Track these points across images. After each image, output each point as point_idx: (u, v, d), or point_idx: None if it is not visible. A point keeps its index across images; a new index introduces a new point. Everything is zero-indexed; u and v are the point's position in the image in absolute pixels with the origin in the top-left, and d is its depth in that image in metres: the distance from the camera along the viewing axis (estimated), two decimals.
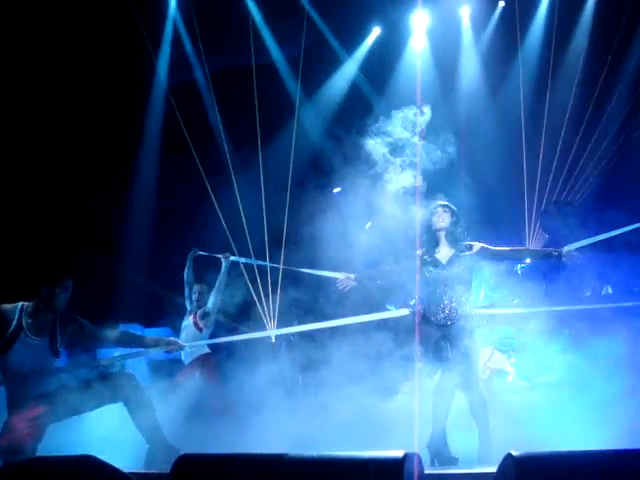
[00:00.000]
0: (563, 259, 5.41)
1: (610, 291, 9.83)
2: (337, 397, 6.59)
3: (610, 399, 6.06)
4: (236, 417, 7.09)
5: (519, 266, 9.30)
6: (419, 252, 5.50)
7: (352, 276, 5.64)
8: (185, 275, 7.84)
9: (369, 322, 6.44)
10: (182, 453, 3.43)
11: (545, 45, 10.36)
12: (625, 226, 6.26)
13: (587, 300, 8.99)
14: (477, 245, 5.44)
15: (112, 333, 5.36)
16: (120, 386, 5.06)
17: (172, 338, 5.94)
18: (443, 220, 5.42)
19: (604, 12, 10.72)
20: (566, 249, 5.43)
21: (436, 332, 5.24)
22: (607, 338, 7.29)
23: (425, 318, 5.35)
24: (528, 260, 9.93)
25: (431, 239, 5.48)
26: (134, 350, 5.77)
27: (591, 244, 6.07)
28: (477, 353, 5.45)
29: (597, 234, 6.62)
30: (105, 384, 5.05)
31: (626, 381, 6.59)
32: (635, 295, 9.82)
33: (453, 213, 5.48)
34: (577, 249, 5.56)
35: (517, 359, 7.91)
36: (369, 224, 10.35)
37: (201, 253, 7.89)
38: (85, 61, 9.86)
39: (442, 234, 5.45)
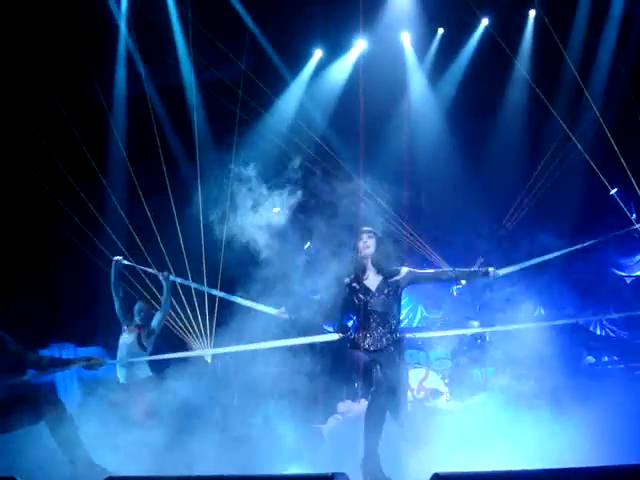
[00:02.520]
0: (490, 277, 5.46)
1: (542, 312, 10.11)
2: (272, 417, 6.58)
3: (541, 419, 6.20)
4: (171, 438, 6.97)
5: (454, 287, 9.50)
6: (347, 280, 5.45)
7: (286, 315, 5.59)
8: (113, 289, 7.51)
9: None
10: (108, 474, 3.38)
11: (482, 71, 10.62)
12: (554, 249, 6.40)
13: (520, 320, 9.20)
14: (404, 269, 5.41)
15: (37, 358, 5.26)
16: (38, 404, 4.93)
17: (93, 356, 5.80)
18: (368, 247, 5.38)
19: (542, 39, 11.04)
20: (491, 270, 5.45)
21: (365, 356, 5.25)
22: (539, 358, 7.48)
23: (356, 344, 5.32)
24: (464, 282, 10.19)
25: (358, 266, 5.42)
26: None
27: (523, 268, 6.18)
28: (406, 376, 5.50)
29: (529, 256, 6.84)
30: (24, 403, 4.92)
31: (556, 401, 6.77)
32: (567, 316, 10.12)
33: (378, 239, 5.46)
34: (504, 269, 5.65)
35: (451, 379, 8.02)
36: (308, 244, 10.42)
37: (126, 263, 7.61)
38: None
39: (368, 261, 5.40)
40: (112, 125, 9.85)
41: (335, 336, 5.59)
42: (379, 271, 5.38)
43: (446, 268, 5.49)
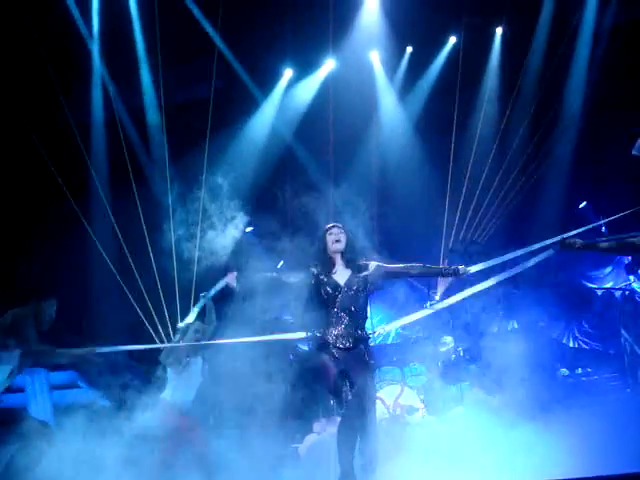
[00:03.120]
0: (458, 276, 5.39)
1: (516, 326, 10.17)
2: (248, 437, 6.53)
3: (517, 432, 6.22)
4: None
5: (429, 303, 9.50)
6: (314, 270, 5.29)
7: (234, 274, 5.30)
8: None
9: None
10: None
11: (451, 88, 10.73)
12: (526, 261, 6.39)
13: (494, 334, 9.25)
14: (373, 264, 5.33)
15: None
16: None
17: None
18: (340, 240, 5.29)
19: (510, 56, 11.22)
20: (461, 267, 5.37)
21: (334, 366, 5.07)
22: (514, 371, 7.52)
23: (324, 343, 5.13)
24: (437, 297, 10.22)
25: (326, 262, 5.30)
26: None
27: (497, 282, 6.15)
28: (374, 391, 5.36)
29: (501, 270, 6.87)
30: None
31: (531, 414, 6.80)
32: (540, 329, 10.19)
33: (348, 234, 5.38)
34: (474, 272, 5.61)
35: (426, 395, 8.03)
36: (281, 263, 10.41)
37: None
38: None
39: (337, 256, 5.31)
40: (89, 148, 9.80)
41: (301, 334, 5.42)
42: (348, 266, 5.29)
43: (415, 264, 5.34)
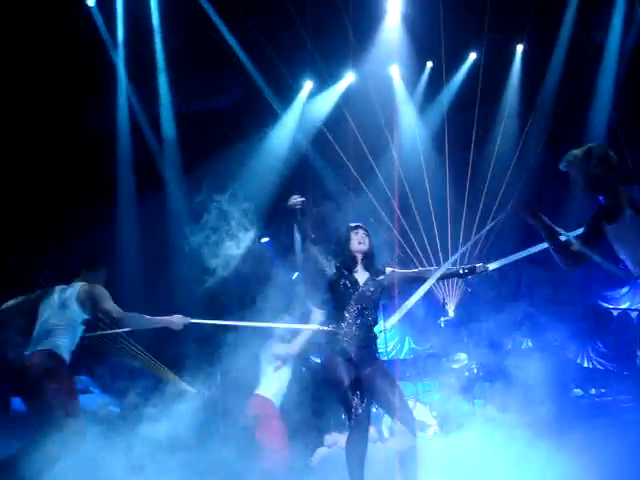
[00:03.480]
0: (476, 274, 5.29)
1: (530, 345, 10.12)
2: (258, 449, 6.50)
3: (530, 451, 6.16)
4: None
5: (442, 319, 9.49)
6: (337, 263, 5.25)
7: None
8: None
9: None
10: None
11: (471, 103, 10.74)
12: (542, 280, 6.37)
13: (507, 353, 9.21)
14: (388, 269, 5.30)
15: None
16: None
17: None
18: (364, 243, 5.25)
19: (530, 73, 11.23)
20: (479, 265, 5.24)
21: (346, 372, 4.94)
22: (528, 390, 7.47)
23: (335, 338, 5.04)
24: (451, 314, 10.20)
25: (347, 259, 5.25)
26: None
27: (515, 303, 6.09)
28: (394, 376, 5.27)
29: (517, 285, 6.90)
30: None
31: (545, 434, 6.74)
32: (554, 349, 10.13)
33: (370, 238, 5.33)
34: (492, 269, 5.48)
35: (439, 412, 7.97)
36: (296, 274, 10.42)
37: None
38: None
39: (359, 257, 5.26)
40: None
41: (314, 326, 5.33)
42: (367, 268, 5.27)
43: (429, 267, 5.26)
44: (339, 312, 5.13)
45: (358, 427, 4.88)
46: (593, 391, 10.00)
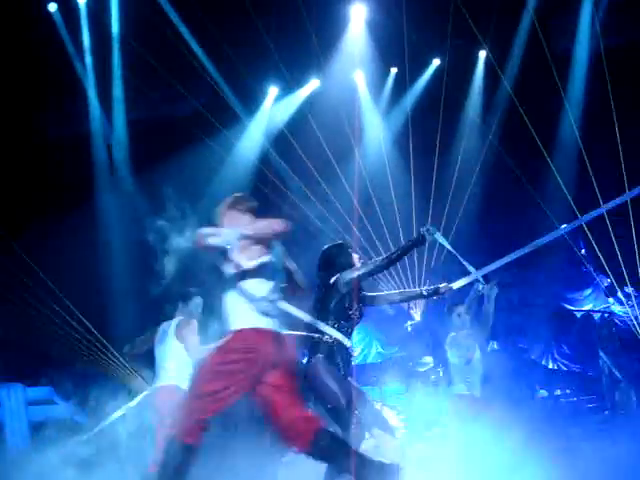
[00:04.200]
0: (440, 294, 5.27)
1: (496, 347, 10.21)
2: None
3: (496, 454, 6.20)
4: None
5: (409, 323, 9.55)
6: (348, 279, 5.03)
7: None
8: None
9: None
10: None
11: (434, 109, 10.83)
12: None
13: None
14: (366, 293, 5.22)
15: None
16: None
17: None
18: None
19: (493, 78, 11.35)
20: (442, 286, 5.14)
21: (341, 392, 4.93)
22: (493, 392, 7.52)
23: (332, 352, 4.89)
24: (417, 317, 10.25)
25: None
26: None
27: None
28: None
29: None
30: None
31: (511, 435, 6.80)
32: (519, 351, 10.24)
33: None
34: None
35: (405, 415, 8.01)
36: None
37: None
38: None
39: None
40: None
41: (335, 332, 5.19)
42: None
43: (394, 290, 5.22)
44: (348, 325, 5.03)
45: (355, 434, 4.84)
46: (558, 392, 10.12)
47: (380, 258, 5.01)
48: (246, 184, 11.19)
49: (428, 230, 4.89)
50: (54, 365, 8.35)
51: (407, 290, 5.32)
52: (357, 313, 5.06)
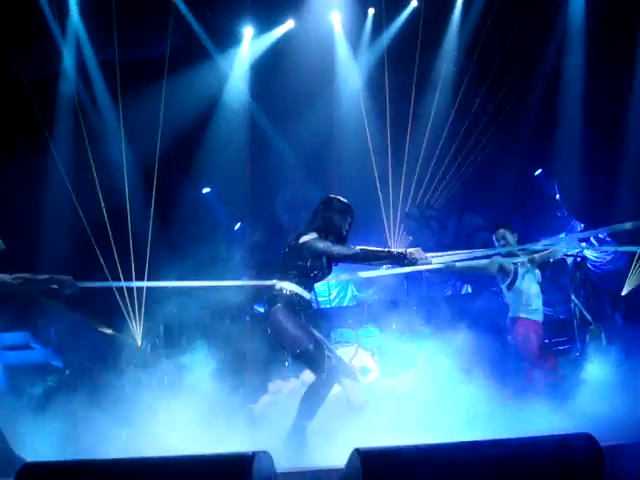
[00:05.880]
0: (416, 264, 5.28)
1: (470, 290, 10.34)
2: (203, 397, 6.53)
3: (470, 392, 6.33)
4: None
5: (385, 265, 9.58)
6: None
7: None
8: None
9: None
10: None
11: (411, 51, 10.66)
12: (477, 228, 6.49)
13: (447, 297, 9.40)
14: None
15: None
16: None
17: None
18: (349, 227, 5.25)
19: (471, 22, 11.18)
20: (418, 256, 5.06)
21: (310, 331, 4.98)
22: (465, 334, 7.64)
23: (293, 303, 4.99)
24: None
25: (338, 239, 5.13)
26: None
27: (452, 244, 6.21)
28: None
29: (456, 235, 7.02)
30: None
31: (484, 375, 6.94)
32: (493, 293, 10.36)
33: None
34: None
35: (380, 356, 8.12)
36: (238, 225, 10.38)
37: None
38: None
39: (342, 239, 5.17)
40: None
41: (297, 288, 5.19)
42: None
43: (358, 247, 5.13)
44: (303, 282, 5.07)
45: (333, 373, 4.92)
46: None
47: (361, 251, 4.98)
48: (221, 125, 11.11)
49: (412, 260, 5.02)
50: (35, 310, 8.32)
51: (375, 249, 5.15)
52: (320, 273, 5.11)
